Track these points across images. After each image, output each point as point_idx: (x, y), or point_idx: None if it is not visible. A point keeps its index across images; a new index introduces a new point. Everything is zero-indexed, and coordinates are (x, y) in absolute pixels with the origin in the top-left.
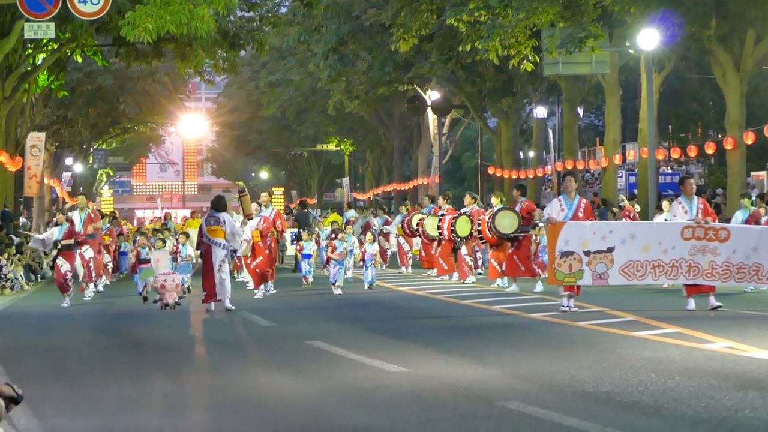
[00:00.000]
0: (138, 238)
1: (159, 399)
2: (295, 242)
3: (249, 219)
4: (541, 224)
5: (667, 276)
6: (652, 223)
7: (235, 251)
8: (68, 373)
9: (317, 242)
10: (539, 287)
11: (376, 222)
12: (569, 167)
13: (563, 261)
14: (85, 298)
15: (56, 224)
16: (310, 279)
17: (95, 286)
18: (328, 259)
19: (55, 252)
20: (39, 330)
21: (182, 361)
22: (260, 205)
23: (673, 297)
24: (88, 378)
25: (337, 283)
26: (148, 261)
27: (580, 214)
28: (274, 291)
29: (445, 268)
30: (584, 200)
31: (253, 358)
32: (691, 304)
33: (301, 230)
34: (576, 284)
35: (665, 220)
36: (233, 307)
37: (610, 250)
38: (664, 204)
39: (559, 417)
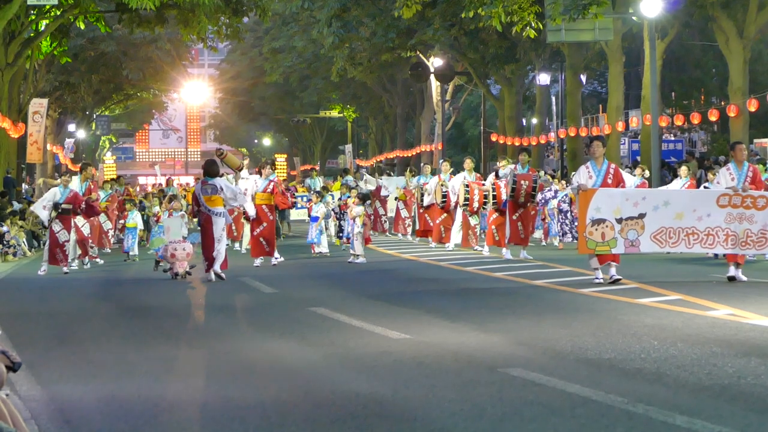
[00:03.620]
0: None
1: (161, 365)
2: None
3: (239, 171)
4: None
5: (703, 244)
6: (688, 191)
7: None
8: (71, 338)
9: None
10: (527, 256)
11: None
12: (572, 134)
13: (595, 229)
14: (84, 267)
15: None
16: (318, 249)
17: (83, 264)
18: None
19: (54, 214)
20: (42, 296)
21: (184, 328)
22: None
23: (677, 264)
24: (91, 344)
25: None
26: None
27: (609, 180)
28: (281, 259)
29: (443, 236)
30: (613, 165)
31: (256, 325)
32: (732, 270)
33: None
34: (610, 252)
35: (682, 187)
36: (223, 277)
37: (642, 216)
38: (682, 170)
39: (562, 384)
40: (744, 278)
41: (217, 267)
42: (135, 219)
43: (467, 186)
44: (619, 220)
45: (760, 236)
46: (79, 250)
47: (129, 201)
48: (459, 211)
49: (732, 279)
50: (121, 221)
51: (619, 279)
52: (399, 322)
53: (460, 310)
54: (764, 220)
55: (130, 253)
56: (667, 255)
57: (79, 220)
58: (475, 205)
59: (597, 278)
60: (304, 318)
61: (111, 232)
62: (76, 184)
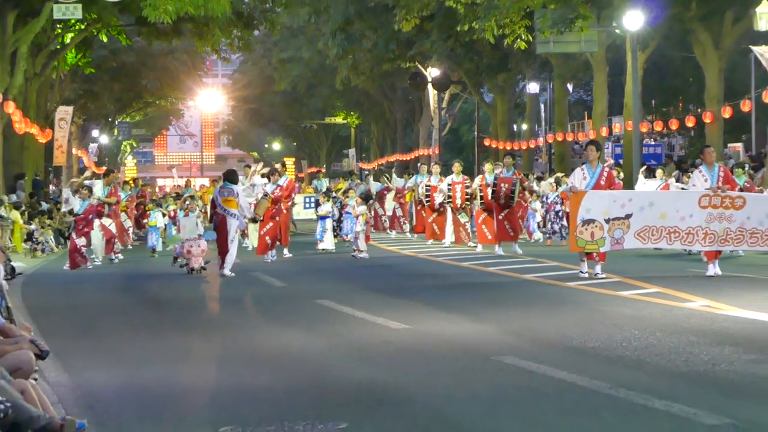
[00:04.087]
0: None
1: (178, 353)
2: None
3: (252, 219)
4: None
5: (683, 242)
6: (671, 192)
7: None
8: (95, 329)
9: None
10: (519, 250)
11: (374, 188)
12: (559, 139)
13: (585, 229)
14: (113, 262)
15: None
16: (321, 246)
17: (111, 259)
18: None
19: (72, 224)
20: (68, 289)
21: (200, 319)
22: (278, 174)
23: (656, 259)
24: (113, 334)
25: (346, 236)
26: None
27: (602, 182)
28: (290, 255)
29: (437, 233)
30: (607, 168)
31: (267, 316)
32: (711, 270)
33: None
34: (598, 251)
35: (657, 187)
36: (233, 274)
37: (628, 216)
38: (657, 172)
39: (550, 370)
40: (719, 272)
41: (226, 269)
42: (156, 218)
43: (450, 184)
44: (608, 221)
45: (737, 234)
46: (104, 247)
47: (152, 201)
48: (449, 210)
49: (711, 277)
50: (144, 220)
51: (604, 277)
52: (399, 314)
53: (456, 303)
54: (742, 218)
55: (156, 249)
56: (651, 251)
57: (106, 221)
58: (458, 201)
59: (582, 272)
60: (311, 310)
61: (131, 230)
62: (99, 187)
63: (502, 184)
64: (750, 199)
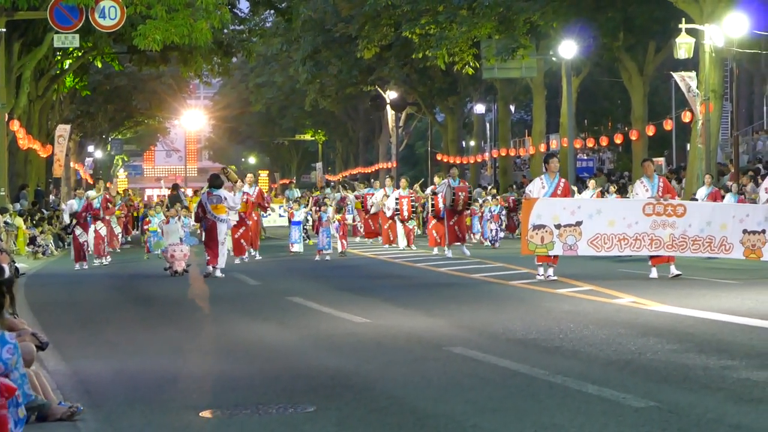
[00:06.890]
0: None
1: (166, 344)
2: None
3: (235, 183)
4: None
5: (632, 248)
6: (617, 200)
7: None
8: (90, 322)
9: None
10: (467, 251)
11: (351, 197)
12: (503, 154)
13: (536, 233)
14: (96, 262)
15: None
16: (296, 248)
17: (104, 259)
18: (317, 228)
19: (74, 222)
20: (66, 287)
21: (184, 313)
22: (246, 184)
23: (590, 261)
24: (107, 326)
25: (324, 251)
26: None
27: (559, 192)
28: (260, 257)
29: (391, 238)
30: (563, 180)
31: (243, 311)
32: (654, 273)
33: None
34: (548, 254)
35: (591, 196)
36: (223, 275)
37: (579, 223)
38: (591, 183)
39: (495, 359)
40: (678, 272)
41: (218, 271)
42: (155, 224)
43: (397, 199)
44: (558, 226)
45: (681, 240)
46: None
47: (152, 208)
48: (398, 220)
49: (654, 278)
50: (145, 226)
51: (555, 279)
52: (361, 309)
53: (411, 299)
54: (683, 226)
55: (154, 252)
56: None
57: (98, 224)
58: (405, 214)
59: (539, 275)
60: (283, 305)
61: (120, 236)
62: (93, 195)
63: (460, 193)
64: (690, 207)
